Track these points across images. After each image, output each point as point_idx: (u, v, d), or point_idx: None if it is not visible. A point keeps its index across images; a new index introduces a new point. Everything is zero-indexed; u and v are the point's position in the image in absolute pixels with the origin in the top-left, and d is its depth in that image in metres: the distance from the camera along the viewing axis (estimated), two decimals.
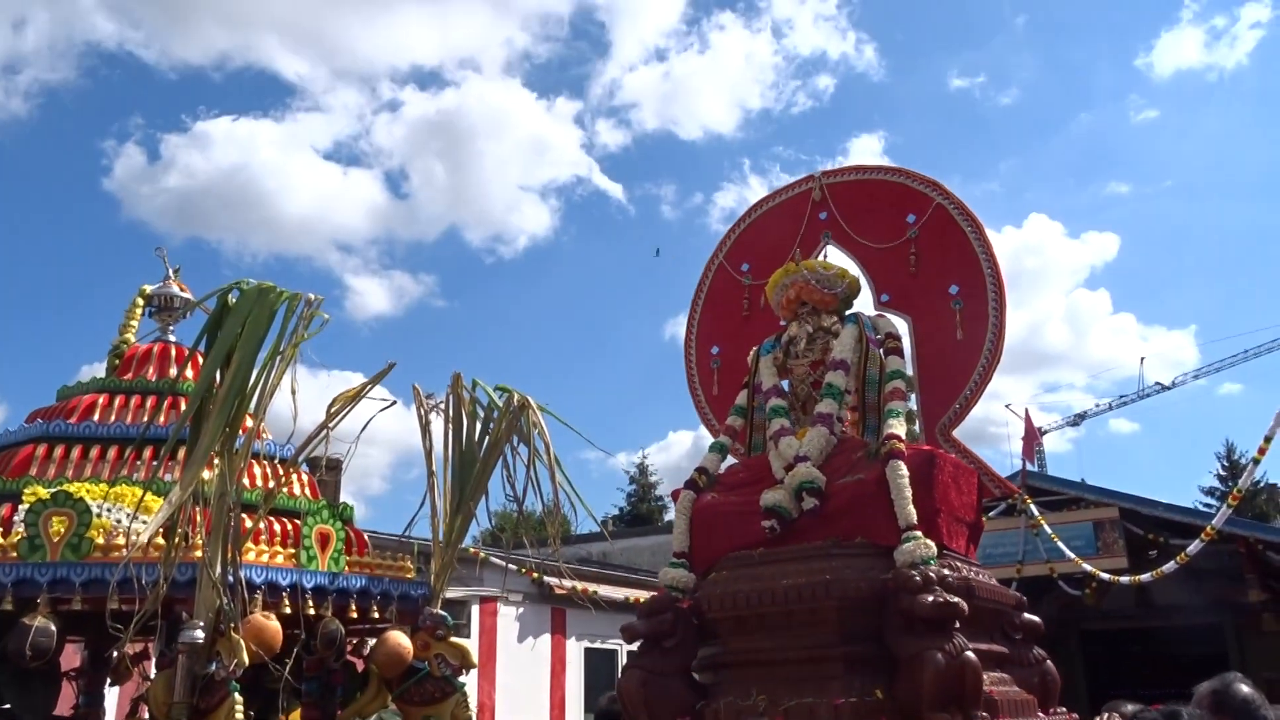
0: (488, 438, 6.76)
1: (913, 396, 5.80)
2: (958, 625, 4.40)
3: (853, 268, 6.33)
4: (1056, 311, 67.41)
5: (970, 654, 4.29)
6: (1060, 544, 14.82)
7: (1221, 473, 36.23)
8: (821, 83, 73.65)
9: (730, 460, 6.05)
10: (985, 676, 4.43)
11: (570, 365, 67.90)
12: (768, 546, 5.08)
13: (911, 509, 4.73)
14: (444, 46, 70.78)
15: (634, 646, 5.22)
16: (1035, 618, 5.48)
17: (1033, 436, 19.22)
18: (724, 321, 6.94)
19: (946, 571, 4.59)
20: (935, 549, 4.66)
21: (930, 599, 4.33)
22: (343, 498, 11.62)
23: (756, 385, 5.95)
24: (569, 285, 71.86)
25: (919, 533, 4.67)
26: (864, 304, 6.23)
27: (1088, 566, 14.86)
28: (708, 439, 6.48)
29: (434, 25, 69.34)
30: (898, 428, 5.17)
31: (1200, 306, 68.34)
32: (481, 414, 6.82)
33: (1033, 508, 15.64)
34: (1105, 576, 14.89)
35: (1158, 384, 35.72)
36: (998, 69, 72.30)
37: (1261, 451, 11.43)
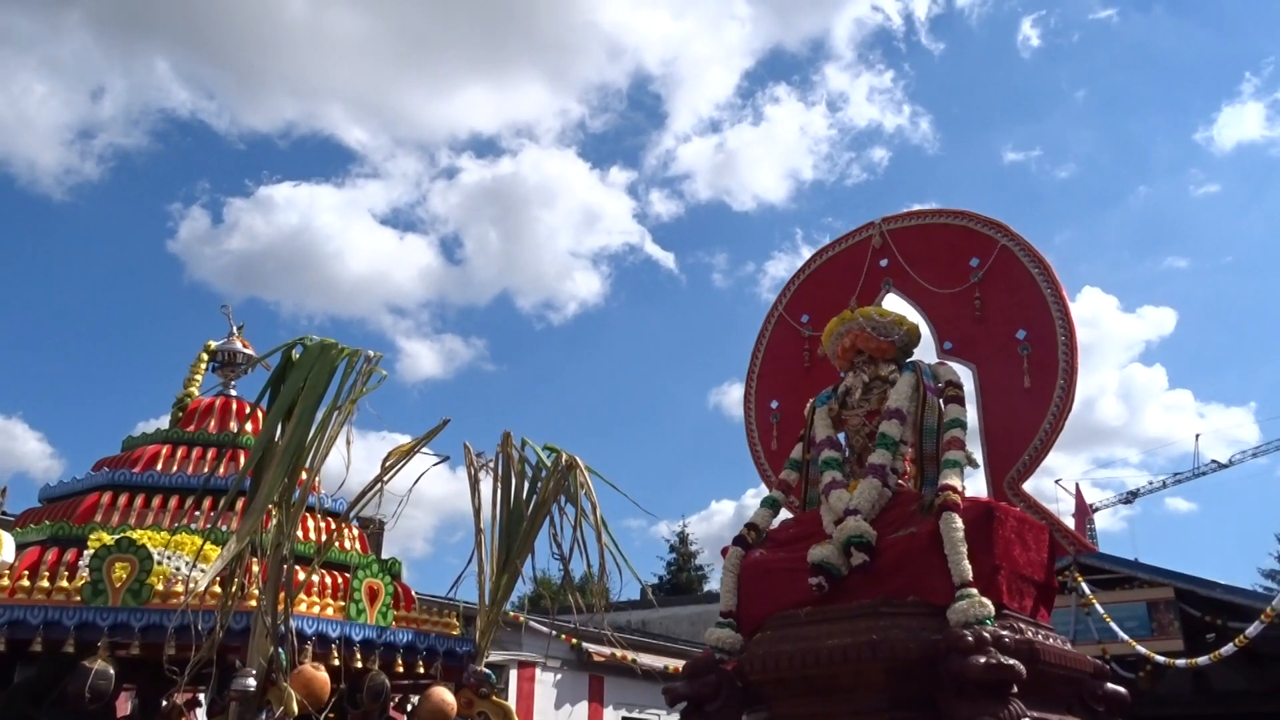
0: (535, 497, 6.85)
1: (978, 449, 5.53)
2: (1015, 691, 4.09)
3: (915, 316, 6.10)
4: (1110, 386, 66.16)
5: None
6: (1113, 624, 14.34)
7: None
8: (876, 155, 73.88)
9: (785, 516, 5.85)
10: None
11: (616, 432, 67.84)
12: (816, 605, 4.84)
13: (966, 565, 4.44)
14: (501, 115, 72.53)
15: (677, 711, 5.01)
16: (1120, 688, 5.01)
17: (1084, 512, 18.83)
18: (784, 374, 6.77)
19: (1005, 633, 4.28)
20: (992, 608, 4.35)
21: (983, 661, 4.03)
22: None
23: (811, 438, 5.71)
24: (617, 352, 72.21)
25: (974, 590, 4.38)
26: (926, 353, 5.97)
27: (1142, 649, 14.34)
28: (750, 508, 6.26)
29: (493, 95, 71.18)
30: (954, 479, 4.88)
31: (1260, 384, 66.45)
32: (530, 473, 6.92)
33: (1084, 586, 15.26)
34: (1160, 659, 14.36)
35: (1214, 462, 34.84)
36: (1055, 142, 72.00)
37: None
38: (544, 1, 69.04)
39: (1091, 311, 62.30)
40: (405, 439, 6.40)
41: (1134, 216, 71.37)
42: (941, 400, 5.43)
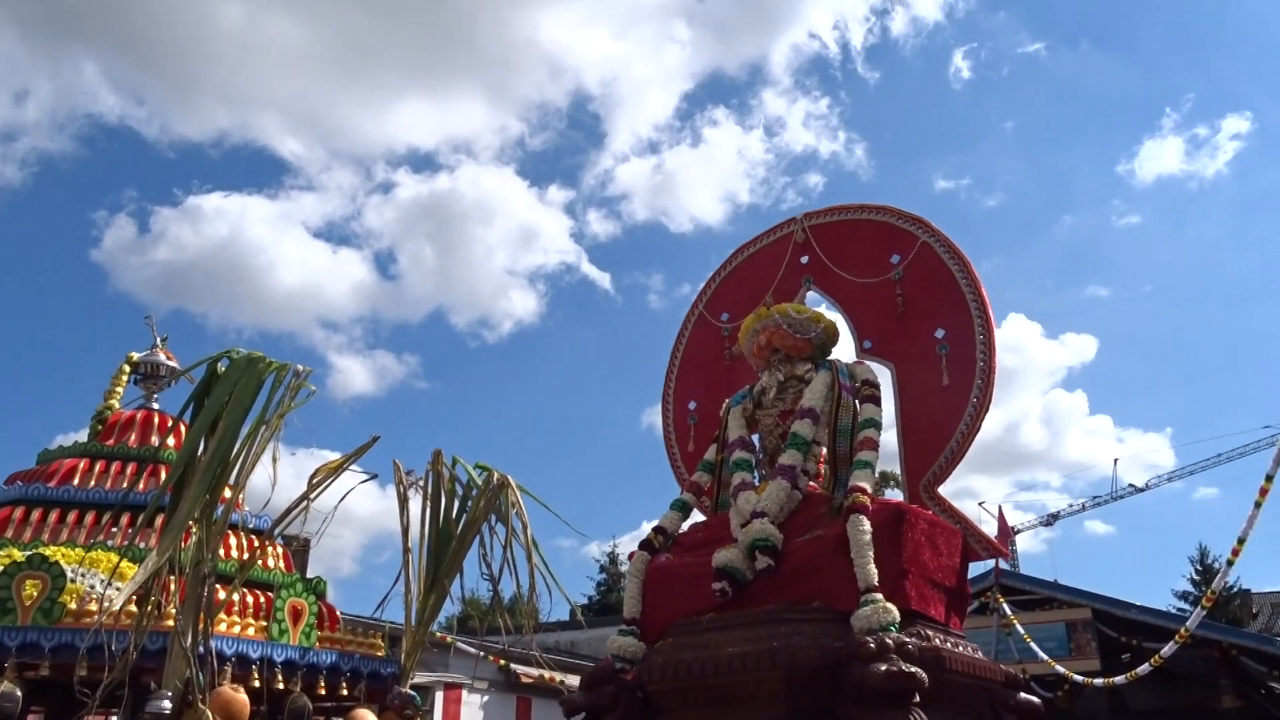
0: (465, 516, 6.78)
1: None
2: (918, 700, 3.91)
3: (835, 314, 5.94)
4: (1034, 411, 67.77)
5: None
6: (1033, 644, 14.66)
7: (1195, 577, 35.91)
8: (811, 180, 75.08)
9: (699, 519, 5.62)
10: None
11: (548, 451, 67.54)
12: (720, 611, 4.64)
13: (872, 569, 4.26)
14: (440, 131, 72.34)
15: None
16: (1033, 698, 4.84)
17: (1006, 534, 19.20)
18: (703, 374, 6.56)
19: (909, 639, 4.11)
20: (897, 614, 4.18)
21: (884, 668, 3.84)
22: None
23: (725, 439, 5.52)
24: (552, 371, 72.09)
25: (879, 595, 4.21)
26: (845, 352, 5.79)
27: (1060, 668, 14.70)
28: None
29: (431, 110, 70.89)
30: (864, 480, 4.72)
31: (1177, 410, 68.75)
32: (460, 492, 6.85)
33: (1005, 606, 15.58)
34: (1078, 679, 14.70)
35: (1131, 485, 36.14)
36: (984, 172, 74.15)
37: (1235, 553, 11.46)
38: (485, 18, 69.10)
39: (1016, 338, 63.96)
40: (335, 456, 6.30)
41: (1059, 245, 73.59)
42: (857, 400, 5.27)
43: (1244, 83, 70.31)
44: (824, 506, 4.82)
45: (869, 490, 4.68)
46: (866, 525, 4.40)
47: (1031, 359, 66.24)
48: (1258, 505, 10.16)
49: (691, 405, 6.54)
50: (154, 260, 64.05)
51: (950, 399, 5.41)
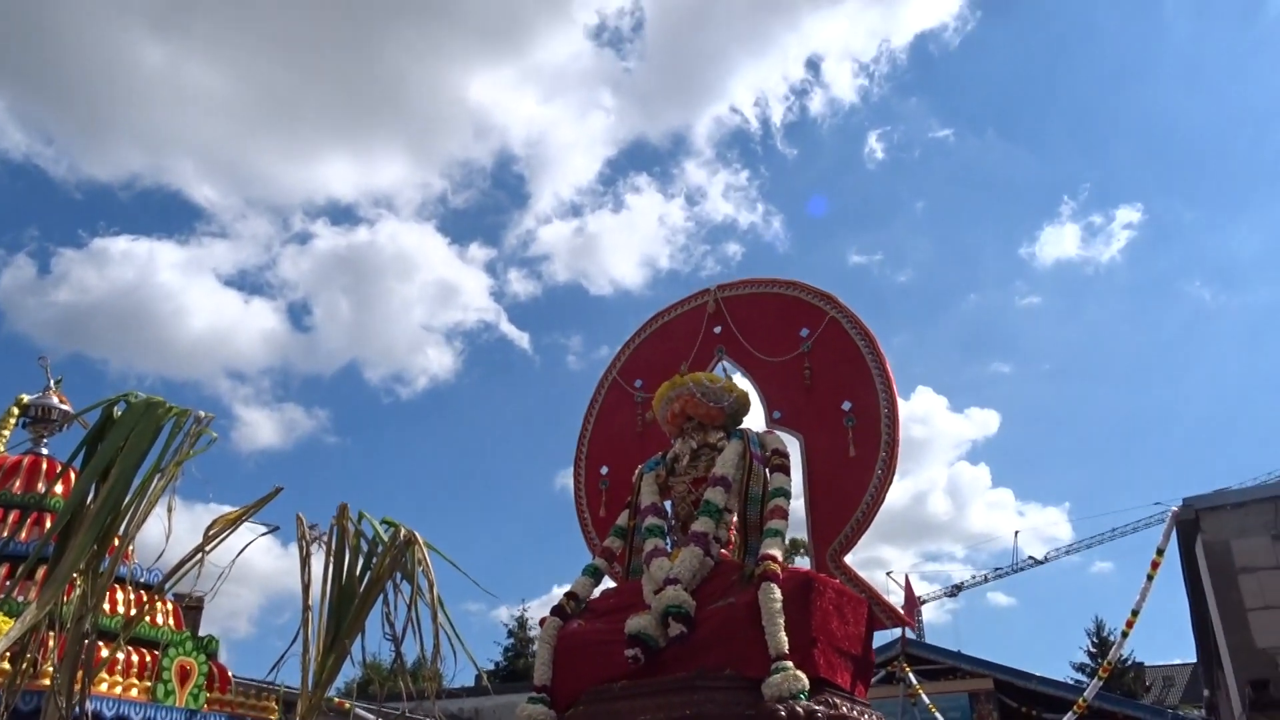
0: (370, 573, 6.60)
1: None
2: None
3: (746, 383, 6.08)
4: (940, 482, 69.38)
5: None
6: (937, 714, 14.88)
7: (1091, 649, 37.07)
8: (730, 249, 76.40)
9: (610, 586, 5.68)
10: None
11: (459, 511, 66.36)
12: (632, 679, 4.64)
13: (783, 636, 4.32)
14: (361, 184, 71.73)
15: None
16: None
17: (913, 603, 19.53)
18: (616, 440, 6.63)
19: (818, 708, 4.18)
20: (807, 682, 4.23)
21: None
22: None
23: (637, 505, 5.59)
24: (466, 430, 71.27)
25: (790, 663, 4.26)
26: (755, 422, 5.93)
27: None
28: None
29: (354, 163, 70.40)
30: (775, 548, 4.81)
31: (1074, 485, 71.12)
32: (365, 548, 6.67)
33: (911, 676, 15.75)
34: None
35: (1031, 558, 37.12)
36: (895, 248, 76.59)
37: (1129, 626, 11.83)
38: (414, 76, 69.39)
39: (924, 410, 65.61)
40: (266, 524, 6.07)
41: (965, 322, 76.20)
42: (767, 469, 5.38)
43: (1136, 176, 74.66)
44: (736, 574, 4.88)
45: (780, 558, 4.76)
46: (777, 593, 4.47)
47: (938, 431, 68.01)
48: (1149, 579, 10.51)
49: (604, 470, 6.59)
50: (54, 302, 61.78)
51: (856, 470, 5.57)
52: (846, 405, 5.76)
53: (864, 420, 5.68)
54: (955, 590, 37.25)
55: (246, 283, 68.82)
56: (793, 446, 5.74)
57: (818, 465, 5.76)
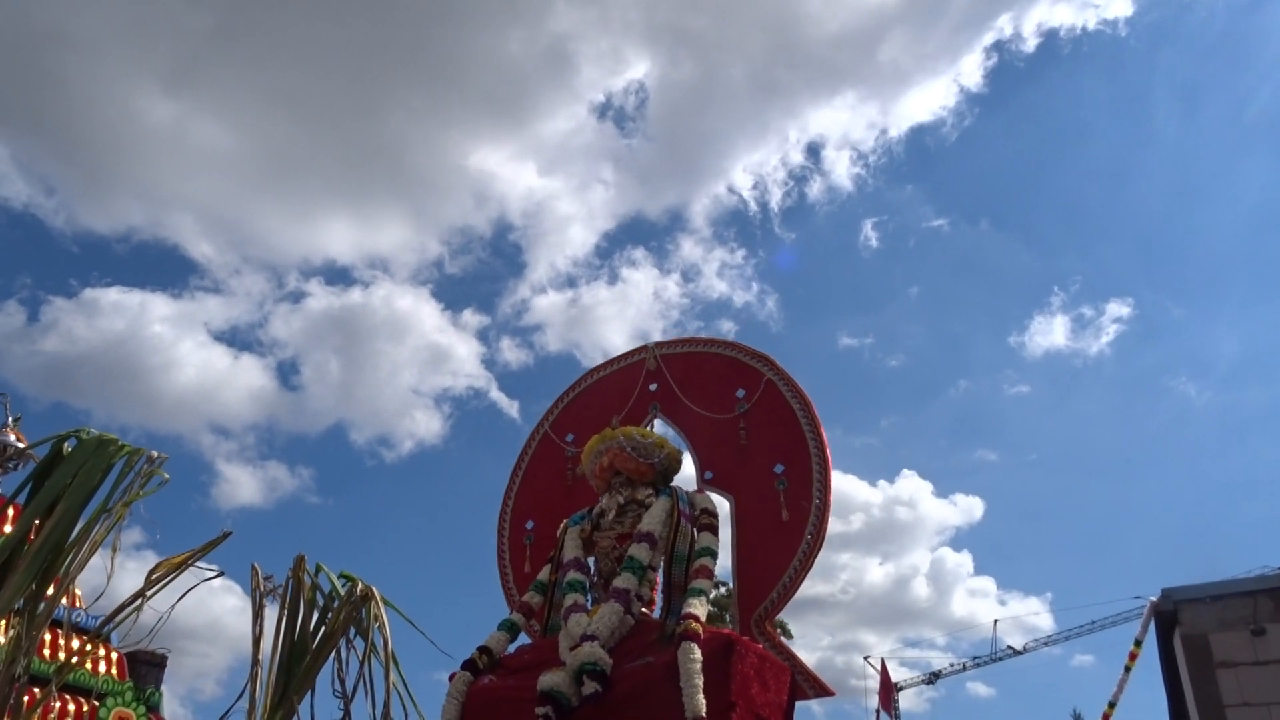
0: (325, 628, 6.39)
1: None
2: None
3: (680, 442, 6.00)
4: (922, 567, 69.30)
5: None
6: None
7: None
8: (724, 326, 77.03)
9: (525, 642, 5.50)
10: None
11: (438, 577, 65.08)
12: None
13: (701, 699, 4.15)
14: (359, 246, 71.15)
15: None
16: None
17: (889, 689, 19.22)
18: (543, 494, 6.49)
19: None
20: None
21: None
22: (165, 694, 10.46)
23: (560, 559, 5.43)
24: (449, 495, 70.26)
25: None
26: (686, 482, 5.82)
27: None
28: None
29: (352, 225, 69.69)
30: (698, 608, 4.67)
31: (1056, 576, 71.44)
32: (321, 602, 6.48)
33: None
34: None
35: (1010, 648, 36.90)
36: (887, 333, 77.27)
37: (1105, 717, 11.74)
38: (416, 142, 69.30)
39: (909, 493, 66.02)
40: (211, 569, 5.84)
41: (953, 408, 76.91)
42: (695, 528, 5.26)
43: (1127, 271, 75.75)
44: (656, 632, 4.74)
45: (701, 618, 4.62)
46: (697, 654, 4.32)
47: (924, 515, 68.17)
48: (1127, 670, 10.41)
49: (529, 525, 6.45)
50: (40, 350, 59.76)
51: (786, 535, 5.49)
52: (779, 468, 5.70)
53: (796, 484, 5.62)
54: (933, 678, 36.94)
55: (237, 339, 67.63)
56: (723, 508, 5.63)
57: (747, 528, 5.66)
